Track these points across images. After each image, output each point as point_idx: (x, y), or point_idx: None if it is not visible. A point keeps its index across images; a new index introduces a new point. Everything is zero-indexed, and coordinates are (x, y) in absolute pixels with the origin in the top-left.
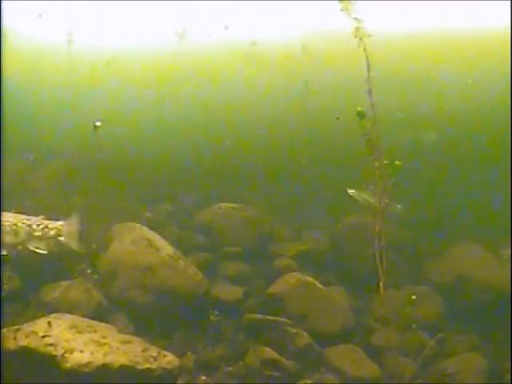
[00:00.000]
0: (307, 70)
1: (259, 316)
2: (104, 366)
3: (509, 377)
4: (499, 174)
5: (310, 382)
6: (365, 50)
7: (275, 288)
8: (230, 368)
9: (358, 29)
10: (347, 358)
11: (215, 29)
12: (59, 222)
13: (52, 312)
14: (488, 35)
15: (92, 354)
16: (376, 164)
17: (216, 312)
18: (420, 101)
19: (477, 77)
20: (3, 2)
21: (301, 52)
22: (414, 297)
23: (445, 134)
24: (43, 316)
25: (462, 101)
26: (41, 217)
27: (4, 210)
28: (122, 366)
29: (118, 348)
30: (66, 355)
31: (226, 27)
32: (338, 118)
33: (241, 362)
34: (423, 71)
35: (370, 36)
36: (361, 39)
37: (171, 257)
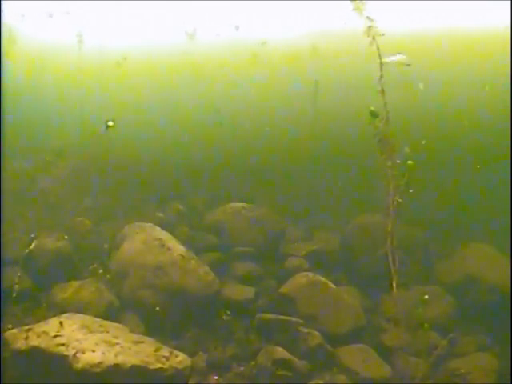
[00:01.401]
0: (317, 69)
1: (271, 316)
2: (115, 366)
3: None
4: (499, 173)
5: (321, 381)
6: (378, 49)
7: (286, 288)
8: (241, 368)
9: (370, 28)
10: (359, 357)
11: (225, 29)
12: None
13: (63, 312)
14: (488, 35)
15: (103, 354)
16: (389, 163)
17: (227, 312)
18: (419, 100)
19: (477, 76)
20: (5, 2)
21: (310, 51)
22: (426, 296)
23: (444, 134)
24: (54, 316)
25: (462, 100)
26: None
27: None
28: (133, 366)
29: (129, 348)
30: (77, 355)
31: (237, 27)
32: None
33: (252, 362)
34: (422, 71)
35: (382, 35)
36: (373, 38)
37: (183, 257)
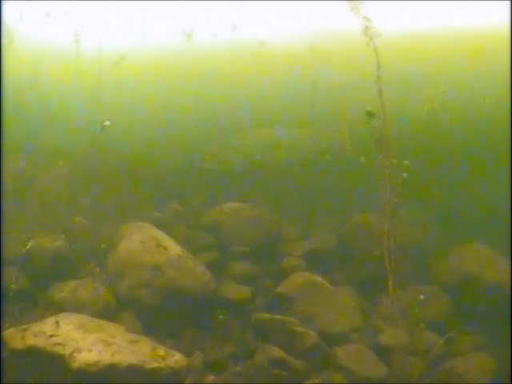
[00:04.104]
0: (315, 69)
1: (267, 315)
2: (112, 365)
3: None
4: (500, 173)
5: (317, 381)
6: (375, 49)
7: (283, 287)
8: (238, 367)
9: (367, 28)
10: (355, 357)
11: (223, 29)
12: None
13: (60, 311)
14: (488, 35)
15: (100, 353)
16: (385, 163)
17: (224, 311)
18: (419, 101)
19: (477, 77)
20: (6, 2)
21: (308, 52)
22: (422, 296)
23: (445, 133)
24: (51, 315)
25: (462, 100)
26: None
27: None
28: (130, 366)
29: (126, 347)
30: (73, 354)
31: (234, 27)
32: None
33: (249, 362)
34: (422, 71)
35: (380, 35)
36: (371, 38)
37: (180, 256)
